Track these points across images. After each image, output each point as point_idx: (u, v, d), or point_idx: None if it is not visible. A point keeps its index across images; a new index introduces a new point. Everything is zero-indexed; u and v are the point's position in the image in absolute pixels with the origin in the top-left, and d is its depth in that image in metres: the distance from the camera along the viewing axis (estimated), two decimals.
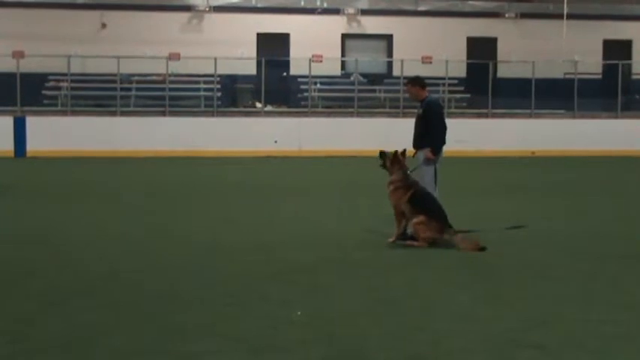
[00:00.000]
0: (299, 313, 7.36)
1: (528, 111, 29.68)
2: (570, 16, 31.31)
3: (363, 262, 9.87)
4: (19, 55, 27.03)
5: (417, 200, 10.73)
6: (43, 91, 29.13)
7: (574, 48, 31.24)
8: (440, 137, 11.55)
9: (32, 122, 26.10)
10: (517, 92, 29.99)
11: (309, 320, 7.17)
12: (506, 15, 34.20)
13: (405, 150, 11.20)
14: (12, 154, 25.53)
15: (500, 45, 34.00)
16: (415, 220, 10.65)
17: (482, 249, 10.29)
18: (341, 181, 19.34)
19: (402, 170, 11.00)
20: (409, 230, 10.83)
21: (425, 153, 11.49)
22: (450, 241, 10.52)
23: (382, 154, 11.20)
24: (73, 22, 31.39)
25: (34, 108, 27.63)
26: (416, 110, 12.08)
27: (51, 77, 29.50)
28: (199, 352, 6.28)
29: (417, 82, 11.85)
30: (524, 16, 34.41)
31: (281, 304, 7.73)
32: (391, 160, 11.05)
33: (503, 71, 32.13)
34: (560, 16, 31.29)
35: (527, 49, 31.86)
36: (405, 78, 29.64)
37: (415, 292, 8.30)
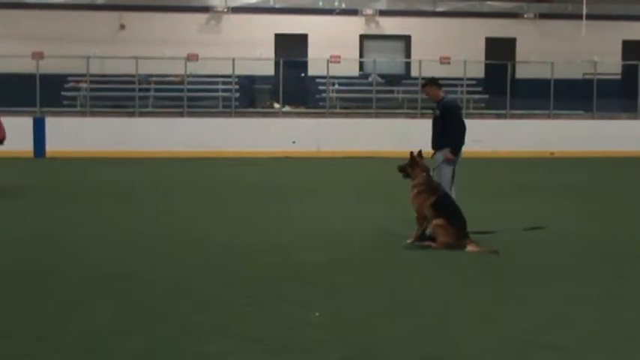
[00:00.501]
0: (317, 313, 7.37)
1: (547, 112, 29.55)
2: (589, 17, 31.15)
3: (380, 263, 9.86)
4: (38, 56, 27.16)
5: (440, 205, 10.70)
6: (62, 92, 29.25)
7: (593, 48, 31.10)
8: (459, 138, 11.58)
9: (51, 123, 26.22)
10: (536, 93, 29.85)
11: (326, 321, 7.17)
12: (525, 15, 34.08)
13: (420, 150, 11.15)
14: (31, 155, 25.64)
15: (518, 45, 33.89)
16: (436, 222, 10.63)
17: (495, 252, 10.27)
18: (359, 181, 19.33)
19: (425, 173, 10.94)
20: (428, 231, 10.82)
21: (444, 153, 11.51)
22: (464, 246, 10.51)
23: (401, 168, 11.08)
24: (92, 23, 31.51)
25: (54, 109, 27.72)
26: (432, 111, 12.09)
27: (70, 78, 29.62)
28: (216, 353, 6.29)
29: (434, 82, 11.89)
30: (543, 16, 34.27)
31: (298, 304, 7.74)
32: (410, 165, 10.98)
33: (522, 72, 32.01)
34: (579, 17, 31.15)
35: (546, 49, 31.74)
36: (422, 79, 29.67)
37: (432, 293, 8.29)
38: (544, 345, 6.51)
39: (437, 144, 11.67)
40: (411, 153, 11.07)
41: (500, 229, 11.68)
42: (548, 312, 7.50)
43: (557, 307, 7.70)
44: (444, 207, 10.70)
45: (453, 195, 11.33)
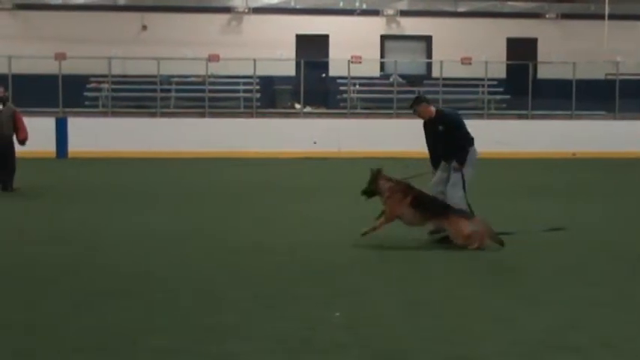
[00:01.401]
0: (337, 314, 7.37)
1: (569, 112, 29.44)
2: (612, 17, 30.96)
3: (398, 263, 9.86)
4: (61, 56, 27.33)
5: (421, 203, 10.68)
6: (85, 93, 29.39)
7: (615, 48, 30.91)
8: (467, 147, 11.41)
9: (74, 123, 26.37)
10: (557, 93, 29.75)
11: (346, 322, 7.17)
12: (547, 15, 33.93)
13: (380, 169, 10.95)
14: (54, 155, 25.78)
15: (540, 46, 33.74)
16: (449, 221, 10.61)
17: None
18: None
19: (390, 181, 10.84)
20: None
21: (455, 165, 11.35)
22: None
23: (365, 191, 10.99)
24: (113, 24, 31.64)
25: (76, 109, 27.89)
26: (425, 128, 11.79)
27: (92, 79, 29.75)
28: (235, 353, 6.30)
29: (422, 100, 11.63)
30: (565, 16, 34.10)
31: (318, 305, 7.75)
32: (372, 182, 10.86)
33: (544, 72, 31.89)
34: (601, 17, 30.97)
35: (567, 49, 31.58)
36: (444, 79, 29.64)
37: (451, 294, 8.28)
38: (561, 347, 6.49)
39: (448, 157, 11.49)
40: (371, 170, 10.95)
41: (519, 230, 11.64)
42: (566, 314, 7.47)
43: (575, 308, 7.66)
44: (427, 203, 10.71)
45: (464, 200, 11.19)
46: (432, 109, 11.55)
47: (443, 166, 11.50)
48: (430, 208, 10.73)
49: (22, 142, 16.67)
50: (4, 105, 16.51)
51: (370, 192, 10.96)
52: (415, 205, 10.66)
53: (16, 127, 16.57)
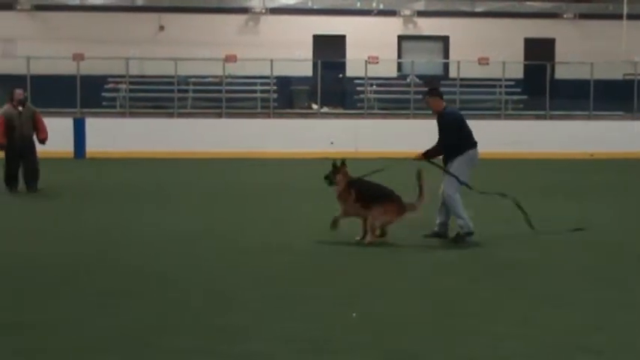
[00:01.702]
0: (354, 314, 7.36)
1: (587, 112, 29.32)
2: (630, 17, 30.81)
3: (416, 263, 9.85)
4: (79, 57, 27.43)
5: (363, 195, 11.09)
6: (102, 93, 29.49)
7: (634, 49, 30.75)
8: (442, 149, 11.39)
9: (91, 123, 26.45)
10: (575, 93, 29.63)
11: (362, 322, 7.16)
12: (565, 15, 33.80)
13: (343, 160, 11.46)
14: (72, 155, 25.87)
15: (558, 46, 33.62)
16: (373, 211, 10.93)
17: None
18: (396, 182, 19.25)
19: (346, 178, 11.25)
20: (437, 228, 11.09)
21: (456, 164, 11.29)
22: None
23: (326, 176, 11.40)
24: (131, 24, 31.74)
25: (93, 109, 27.99)
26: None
27: (110, 79, 29.86)
28: (247, 353, 6.30)
29: (435, 93, 11.73)
30: (583, 16, 33.96)
31: (333, 304, 7.75)
32: (333, 173, 11.33)
33: (562, 72, 31.78)
34: (619, 17, 30.82)
35: (585, 49, 31.45)
36: (461, 79, 29.57)
37: (471, 294, 8.26)
38: (587, 349, 6.44)
39: (446, 155, 11.44)
40: (334, 162, 11.40)
41: (540, 230, 11.60)
42: (591, 316, 7.43)
43: (597, 310, 7.63)
44: (367, 193, 11.05)
45: (455, 197, 11.18)
46: (442, 104, 11.55)
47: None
48: (368, 197, 11.10)
49: (43, 141, 16.82)
50: (23, 106, 16.62)
51: (330, 181, 11.39)
52: (359, 199, 11.08)
53: (37, 128, 16.73)
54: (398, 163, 11.28)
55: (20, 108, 16.57)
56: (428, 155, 11.49)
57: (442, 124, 11.43)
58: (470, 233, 10.97)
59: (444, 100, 11.67)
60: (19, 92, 16.71)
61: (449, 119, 11.43)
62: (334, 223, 11.19)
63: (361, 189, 11.18)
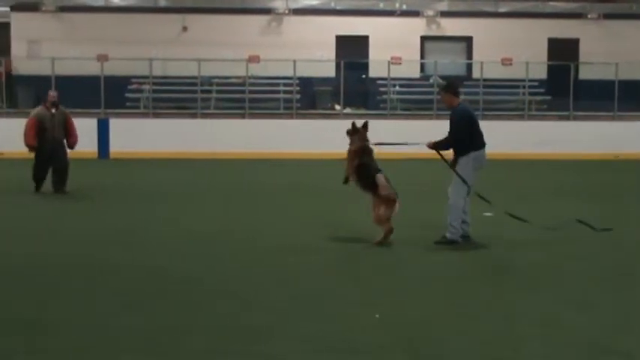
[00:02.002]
0: (377, 315, 7.36)
1: (611, 113, 29.15)
2: None
3: (440, 264, 9.83)
4: (103, 58, 27.56)
5: (362, 171, 11.53)
6: (126, 94, 29.60)
7: None
8: (451, 143, 11.42)
9: (115, 124, 26.56)
10: (599, 94, 29.44)
11: (386, 323, 7.16)
12: (589, 16, 33.59)
13: (366, 122, 12.05)
14: (96, 156, 25.99)
15: (582, 46, 33.43)
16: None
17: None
18: (420, 183, 19.25)
19: (361, 140, 11.82)
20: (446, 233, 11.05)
21: (464, 160, 11.28)
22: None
23: (348, 132, 12.02)
24: (155, 25, 31.85)
25: (117, 110, 28.09)
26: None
27: (133, 80, 29.97)
28: (274, 354, 6.32)
29: (450, 89, 11.77)
30: (607, 16, 33.74)
31: (357, 305, 7.75)
32: (354, 132, 11.91)
33: (586, 73, 31.60)
34: None
35: (610, 50, 31.27)
36: (484, 80, 29.49)
37: (496, 295, 8.24)
38: (614, 351, 6.42)
39: (457, 149, 11.45)
40: (353, 124, 12.05)
41: (566, 230, 11.55)
42: (618, 317, 7.40)
43: (628, 312, 7.59)
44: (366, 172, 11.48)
45: (468, 201, 11.15)
46: (456, 101, 11.55)
47: None
48: (365, 179, 11.46)
49: (72, 146, 16.81)
50: (56, 108, 16.57)
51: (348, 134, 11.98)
52: (357, 171, 11.56)
53: (67, 131, 16.68)
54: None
55: (53, 110, 16.50)
56: (438, 146, 11.56)
57: (453, 119, 11.47)
58: (454, 242, 10.93)
59: (460, 99, 11.65)
60: (52, 94, 16.71)
61: (459, 114, 11.46)
62: (346, 180, 11.79)
63: (363, 164, 11.61)
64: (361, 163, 11.57)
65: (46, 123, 16.37)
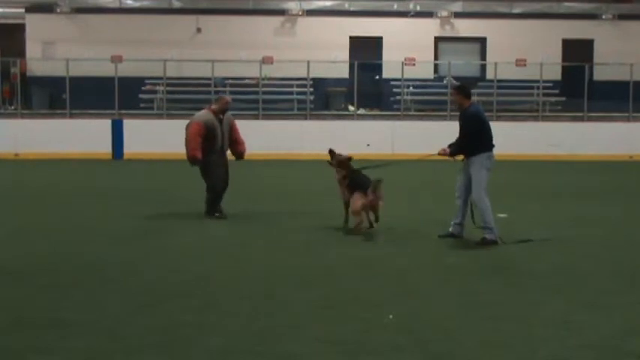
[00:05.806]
0: (391, 316, 7.36)
1: (626, 114, 29.05)
2: None
3: (455, 266, 9.81)
4: (117, 59, 27.64)
5: (354, 185, 12.20)
6: (140, 95, 29.68)
7: None
8: (465, 145, 11.39)
9: (129, 125, 26.63)
10: (614, 95, 29.35)
11: (401, 324, 7.15)
12: (604, 16, 33.50)
13: (350, 157, 12.80)
14: (110, 156, 26.07)
15: (597, 47, 33.34)
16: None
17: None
18: (432, 184, 19.22)
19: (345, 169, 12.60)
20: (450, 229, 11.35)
21: (477, 161, 11.27)
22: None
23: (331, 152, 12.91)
24: (169, 27, 31.93)
25: (131, 111, 28.15)
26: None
27: (147, 81, 30.04)
28: (292, 354, 6.33)
29: (461, 90, 11.74)
30: (622, 17, 33.63)
31: (373, 306, 7.74)
32: (337, 162, 12.70)
33: (600, 74, 31.52)
34: None
35: (624, 50, 31.17)
36: (498, 81, 29.43)
37: (509, 297, 8.21)
38: (628, 353, 6.39)
39: (468, 151, 11.44)
40: (338, 155, 12.86)
41: (578, 232, 11.52)
42: (631, 319, 7.37)
43: (636, 314, 7.55)
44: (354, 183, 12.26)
45: (487, 200, 11.14)
46: (467, 102, 11.54)
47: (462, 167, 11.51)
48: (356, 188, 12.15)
49: (241, 155, 14.73)
50: (223, 114, 14.16)
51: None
52: (350, 188, 12.32)
53: (234, 139, 14.48)
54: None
55: (221, 116, 14.03)
56: (452, 152, 11.55)
57: (463, 120, 11.47)
58: (493, 242, 10.95)
59: (471, 100, 11.64)
60: (226, 100, 14.46)
61: (470, 114, 11.46)
62: (346, 206, 12.56)
63: (352, 179, 12.50)
64: (351, 180, 12.41)
65: (216, 130, 13.88)
